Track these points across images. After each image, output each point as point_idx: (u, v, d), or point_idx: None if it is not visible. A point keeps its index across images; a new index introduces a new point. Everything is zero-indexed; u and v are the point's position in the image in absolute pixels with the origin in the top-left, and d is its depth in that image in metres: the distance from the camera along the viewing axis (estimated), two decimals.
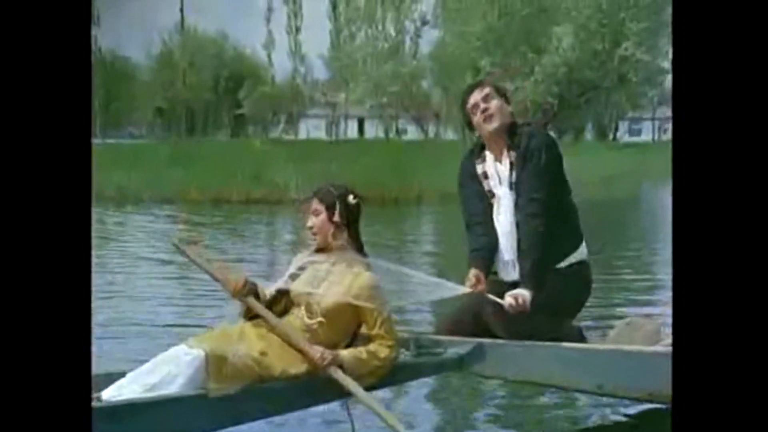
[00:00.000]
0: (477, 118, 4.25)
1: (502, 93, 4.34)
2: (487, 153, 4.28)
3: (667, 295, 8.31)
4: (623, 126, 59.96)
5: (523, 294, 3.96)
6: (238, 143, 33.77)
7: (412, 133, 56.36)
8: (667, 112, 59.71)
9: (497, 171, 4.21)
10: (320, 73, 61.38)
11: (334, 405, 3.93)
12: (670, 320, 4.35)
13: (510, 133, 4.22)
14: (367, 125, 60.48)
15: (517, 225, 4.11)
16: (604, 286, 8.80)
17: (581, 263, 4.23)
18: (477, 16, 43.13)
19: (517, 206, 4.13)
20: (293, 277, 3.82)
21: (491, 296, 3.98)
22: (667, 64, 49.64)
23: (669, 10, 44.87)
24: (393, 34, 52.69)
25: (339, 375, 3.57)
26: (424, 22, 51.66)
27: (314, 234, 3.81)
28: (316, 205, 3.79)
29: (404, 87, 50.42)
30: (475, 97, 4.27)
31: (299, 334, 3.63)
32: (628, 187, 25.48)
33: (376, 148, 30.38)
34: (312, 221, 3.79)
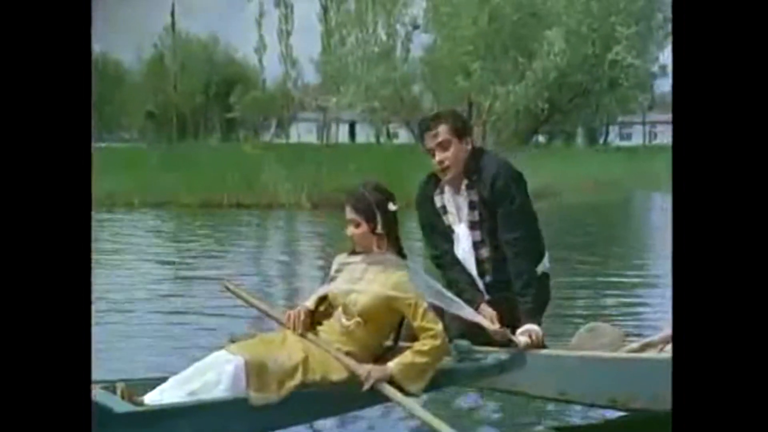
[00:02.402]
0: (434, 162, 4.10)
1: (459, 131, 4.11)
2: (446, 185, 4.18)
3: (656, 293, 8.32)
4: (614, 130, 60.12)
5: (536, 330, 3.97)
6: (229, 147, 33.76)
7: (404, 137, 56.40)
8: (657, 116, 59.94)
9: (456, 206, 4.14)
10: (311, 76, 61.40)
11: None
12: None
13: (467, 169, 4.08)
14: (358, 129, 60.49)
15: (480, 261, 4.11)
16: (594, 294, 8.80)
17: (544, 275, 4.24)
18: (468, 21, 43.22)
19: (481, 243, 4.10)
20: (332, 279, 3.82)
21: (509, 334, 3.95)
22: (657, 69, 49.87)
23: (659, 15, 45.14)
24: (384, 38, 52.69)
25: (388, 390, 3.55)
26: (415, 27, 51.65)
27: (359, 248, 3.76)
28: (352, 215, 3.72)
29: (395, 91, 50.42)
30: (430, 142, 4.08)
31: (347, 358, 3.59)
32: (619, 191, 25.56)
33: (367, 152, 30.38)
34: (351, 231, 3.73)
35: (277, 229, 17.31)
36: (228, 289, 4.05)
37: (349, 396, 3.61)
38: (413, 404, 3.56)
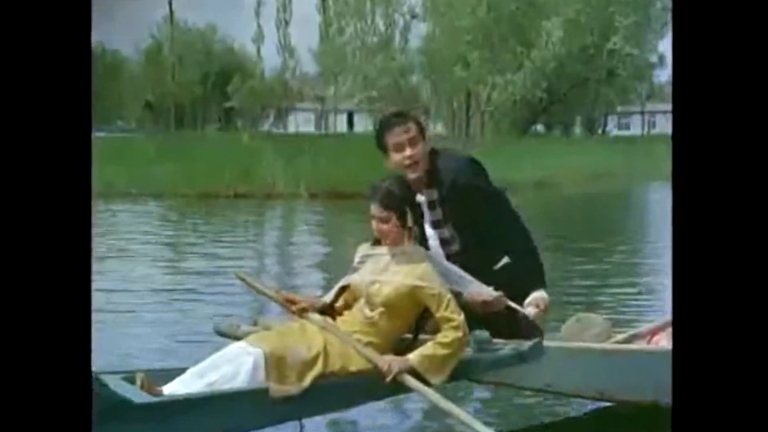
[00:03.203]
0: (398, 158, 4.03)
1: (422, 131, 4.10)
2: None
3: (656, 282, 8.33)
4: (612, 120, 60.06)
5: (542, 298, 3.96)
6: (227, 137, 33.70)
7: None
8: (656, 106, 59.91)
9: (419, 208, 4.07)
10: (309, 67, 61.28)
11: None
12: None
13: (427, 170, 4.05)
14: (356, 119, 60.41)
15: (449, 256, 4.06)
16: (593, 283, 8.80)
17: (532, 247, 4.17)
18: (466, 11, 43.17)
19: (451, 239, 4.06)
20: (355, 270, 3.81)
21: (512, 304, 3.92)
22: (656, 58, 49.87)
23: (658, 4, 45.10)
24: (382, 28, 52.64)
25: (410, 382, 3.55)
26: (413, 16, 51.60)
27: (386, 241, 3.74)
28: (380, 212, 3.69)
29: (393, 81, 50.39)
30: (400, 136, 4.02)
31: (368, 349, 3.59)
32: (617, 181, 25.56)
33: (365, 142, 30.36)
34: (379, 228, 3.71)
35: (276, 219, 17.30)
36: (242, 279, 4.05)
37: (370, 387, 3.62)
38: (436, 395, 3.55)
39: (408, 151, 4.01)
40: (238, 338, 3.91)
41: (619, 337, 4.37)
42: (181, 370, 3.54)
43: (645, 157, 31.18)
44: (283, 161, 20.02)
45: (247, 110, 59.18)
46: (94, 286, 2.18)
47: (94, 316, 2.20)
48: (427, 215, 4.07)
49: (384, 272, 3.70)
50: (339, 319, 3.74)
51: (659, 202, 17.63)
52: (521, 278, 4.03)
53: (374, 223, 3.72)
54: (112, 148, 22.55)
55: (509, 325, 3.94)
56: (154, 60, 61.44)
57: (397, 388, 3.62)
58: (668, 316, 4.61)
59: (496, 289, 3.88)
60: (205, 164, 20.44)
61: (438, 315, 3.61)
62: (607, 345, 4.14)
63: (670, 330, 4.40)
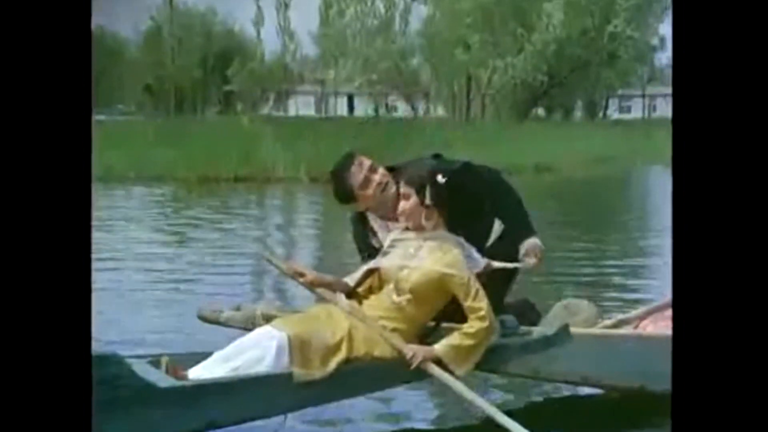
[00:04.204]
0: (370, 192, 3.98)
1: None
2: (373, 224, 4.10)
3: (656, 266, 8.33)
4: (613, 103, 59.98)
5: (536, 245, 3.97)
6: (227, 121, 33.64)
7: (402, 110, 56.26)
8: (657, 89, 59.80)
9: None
10: (309, 49, 61.17)
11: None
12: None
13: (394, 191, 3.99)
14: (356, 102, 60.32)
15: None
16: (596, 270, 8.81)
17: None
18: None
19: None
20: (384, 254, 3.79)
21: (502, 264, 3.90)
22: (656, 41, 49.75)
23: None
24: (382, 10, 52.51)
25: (434, 370, 3.56)
26: None
27: (406, 219, 3.73)
28: (403, 188, 3.70)
29: (394, 64, 50.33)
30: (359, 173, 3.98)
31: (393, 335, 3.59)
32: (618, 164, 25.53)
33: (365, 126, 30.30)
34: (402, 206, 3.71)
35: (276, 202, 17.30)
36: (269, 261, 4.05)
37: (394, 373, 3.62)
38: (460, 385, 3.56)
39: (376, 177, 3.99)
40: (220, 324, 3.93)
41: (607, 322, 4.36)
42: (207, 354, 3.55)
43: (645, 140, 31.14)
44: (283, 145, 19.98)
45: (247, 94, 59.05)
46: (93, 268, 2.18)
47: (94, 298, 2.20)
48: (385, 245, 3.95)
49: (414, 258, 3.68)
50: (364, 303, 3.73)
51: (660, 185, 17.62)
52: (510, 233, 4.01)
53: (400, 203, 3.71)
54: (111, 132, 22.53)
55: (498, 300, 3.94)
56: (153, 43, 61.24)
57: (421, 374, 3.61)
58: (655, 303, 4.62)
59: (490, 257, 3.85)
60: (205, 148, 20.39)
61: (465, 304, 3.60)
62: (596, 330, 4.12)
63: (657, 315, 4.40)
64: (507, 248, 3.98)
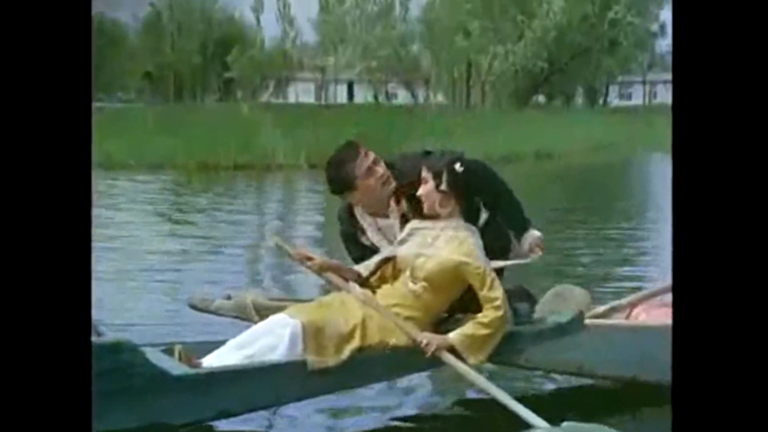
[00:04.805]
0: (373, 182, 3.94)
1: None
2: (362, 222, 4.07)
3: (656, 253, 8.34)
4: (614, 90, 59.85)
5: (536, 236, 3.98)
6: (227, 108, 33.59)
7: (402, 97, 56.18)
8: (657, 75, 59.67)
9: (385, 235, 4.03)
10: (309, 36, 60.98)
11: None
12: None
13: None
14: (356, 89, 60.20)
15: None
16: (595, 257, 8.81)
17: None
18: None
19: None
20: (402, 242, 3.80)
21: (513, 262, 3.94)
22: (657, 28, 49.65)
23: None
24: None
25: (448, 359, 3.57)
26: None
27: (424, 205, 3.74)
28: (424, 173, 3.71)
29: (393, 51, 50.24)
30: (364, 162, 3.95)
31: (408, 324, 3.60)
32: (619, 151, 25.50)
33: (365, 113, 30.26)
34: (421, 189, 3.72)
35: (275, 190, 17.29)
36: (278, 246, 4.06)
37: (407, 361, 3.63)
38: (474, 374, 3.57)
39: (380, 169, 3.97)
40: (210, 312, 3.94)
41: (598, 310, 4.34)
42: (221, 343, 3.56)
43: (646, 127, 31.08)
44: (283, 132, 19.95)
45: (247, 81, 58.92)
46: (93, 255, 2.18)
47: (94, 285, 2.21)
48: (403, 234, 3.96)
49: (430, 246, 3.69)
50: (378, 291, 3.74)
51: (660, 172, 17.61)
52: (505, 226, 4.01)
53: (420, 188, 3.72)
54: (110, 119, 22.51)
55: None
56: (153, 29, 61.06)
57: (435, 362, 3.62)
58: (646, 290, 4.61)
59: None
60: (204, 135, 20.37)
61: (481, 294, 3.61)
62: (591, 321, 4.10)
63: (650, 303, 4.39)
64: (495, 237, 3.97)
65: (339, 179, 4.02)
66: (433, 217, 3.74)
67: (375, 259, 3.84)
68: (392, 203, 4.02)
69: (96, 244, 2.49)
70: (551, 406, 4.11)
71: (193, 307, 4.03)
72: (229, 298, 3.99)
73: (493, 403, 3.56)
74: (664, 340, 3.86)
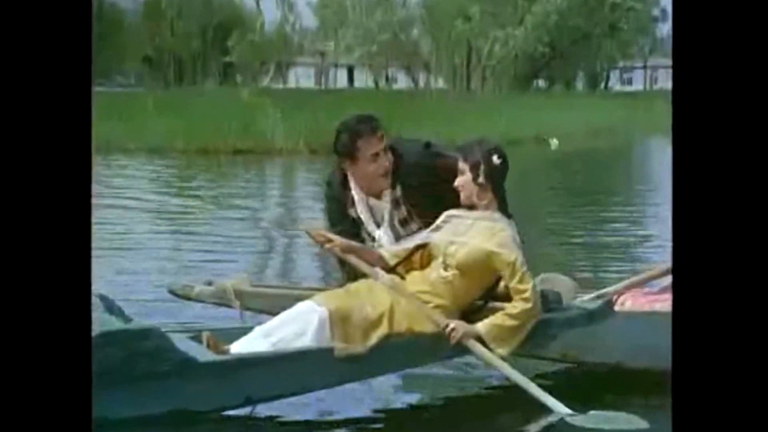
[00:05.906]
0: (372, 168, 3.90)
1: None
2: (354, 193, 4.02)
3: (655, 237, 8.34)
4: (614, 75, 59.71)
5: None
6: (226, 92, 33.49)
7: (402, 81, 56.05)
8: (658, 60, 59.53)
9: (373, 214, 4.01)
10: (309, 21, 60.78)
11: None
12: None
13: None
14: (356, 74, 60.04)
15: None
16: (595, 240, 8.81)
17: None
18: None
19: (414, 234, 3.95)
20: (436, 229, 3.79)
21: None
22: (658, 12, 49.52)
23: None
24: None
25: (476, 348, 3.57)
26: None
27: (462, 195, 3.73)
28: (461, 164, 3.71)
29: (394, 35, 50.07)
30: (377, 146, 3.88)
31: (434, 311, 3.59)
32: (619, 136, 25.45)
33: (365, 97, 30.20)
34: (458, 180, 3.71)
35: (275, 174, 17.27)
36: (309, 235, 3.99)
37: (435, 348, 3.62)
38: (501, 363, 3.57)
39: (386, 162, 3.92)
40: (191, 299, 3.94)
41: (585, 297, 4.33)
42: (249, 329, 3.56)
43: (646, 112, 31.02)
44: (283, 117, 19.90)
45: (247, 65, 58.76)
46: (93, 240, 2.18)
47: (94, 269, 2.21)
48: (393, 217, 3.98)
49: (464, 235, 3.68)
50: (407, 278, 3.73)
51: (660, 156, 17.59)
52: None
53: (458, 179, 3.71)
54: (110, 103, 22.43)
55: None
56: (152, 13, 60.81)
57: (461, 350, 3.62)
58: (634, 278, 4.60)
59: None
60: (204, 120, 20.31)
61: (510, 285, 3.61)
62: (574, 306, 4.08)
63: (636, 291, 4.39)
64: None
65: (343, 145, 3.95)
66: (471, 207, 3.74)
67: (405, 245, 3.82)
68: (387, 187, 3.99)
69: (95, 228, 2.48)
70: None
71: (174, 293, 4.02)
72: (210, 284, 3.98)
73: (517, 389, 3.57)
74: (652, 326, 3.86)
